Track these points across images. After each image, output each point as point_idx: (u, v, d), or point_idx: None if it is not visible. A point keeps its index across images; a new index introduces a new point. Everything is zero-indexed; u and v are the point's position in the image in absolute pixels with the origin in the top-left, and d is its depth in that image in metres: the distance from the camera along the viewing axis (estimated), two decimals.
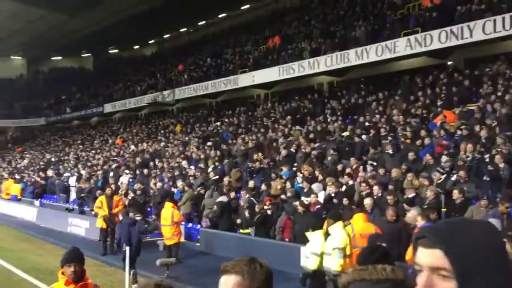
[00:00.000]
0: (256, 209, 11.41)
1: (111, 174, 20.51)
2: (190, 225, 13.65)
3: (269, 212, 11.26)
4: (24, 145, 45.56)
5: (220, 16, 41.89)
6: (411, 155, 11.48)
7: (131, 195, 16.08)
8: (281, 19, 31.24)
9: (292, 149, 15.34)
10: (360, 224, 7.18)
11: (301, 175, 12.98)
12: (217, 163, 17.02)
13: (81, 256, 3.67)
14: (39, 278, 9.30)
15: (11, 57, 65.89)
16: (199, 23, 44.56)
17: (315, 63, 21.52)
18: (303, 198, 10.50)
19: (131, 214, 10.53)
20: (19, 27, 49.18)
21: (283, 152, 15.17)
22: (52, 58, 63.64)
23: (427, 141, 12.22)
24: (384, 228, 7.54)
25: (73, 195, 21.29)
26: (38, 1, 40.05)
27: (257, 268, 1.66)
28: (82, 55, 60.81)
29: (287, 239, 10.47)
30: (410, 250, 6.27)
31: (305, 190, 11.51)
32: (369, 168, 12.14)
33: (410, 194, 9.30)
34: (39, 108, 52.87)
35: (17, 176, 27.56)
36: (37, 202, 22.03)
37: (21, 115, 54.14)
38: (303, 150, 15.03)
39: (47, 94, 54.04)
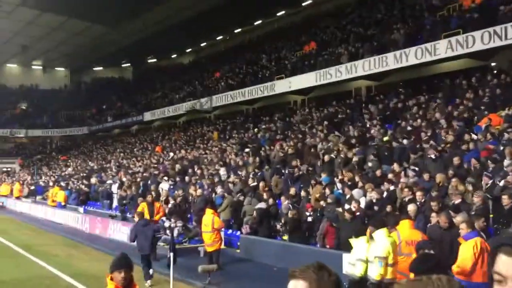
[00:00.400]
0: (289, 215, 11.38)
1: (152, 181, 20.92)
2: (230, 231, 13.72)
3: (309, 219, 11.19)
4: (68, 154, 47.06)
5: (256, 23, 42.19)
6: (455, 160, 11.16)
7: (171, 202, 16.35)
8: (316, 25, 31.15)
9: (331, 155, 15.20)
10: (406, 231, 6.99)
11: (340, 181, 12.85)
12: (256, 170, 17.06)
13: (130, 262, 3.75)
14: (86, 283, 9.55)
15: (56, 68, 68.46)
16: (235, 31, 44.97)
17: (352, 68, 21.32)
18: (345, 205, 10.38)
19: (172, 221, 10.71)
20: (64, 39, 51.10)
21: (322, 158, 15.06)
22: (94, 69, 65.71)
23: (471, 145, 11.88)
24: (436, 235, 7.29)
25: (115, 202, 21.80)
26: (82, 14, 41.49)
27: (325, 276, 1.63)
28: (122, 65, 62.48)
29: (328, 246, 10.37)
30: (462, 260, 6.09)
31: (346, 197, 11.38)
32: (410, 173, 11.87)
33: (456, 200, 9.02)
34: (82, 118, 54.58)
35: (62, 184, 28.47)
36: (81, 209, 22.67)
37: (65, 125, 56.02)
38: (342, 156, 14.88)
39: (89, 104, 55.74)
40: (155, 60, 57.40)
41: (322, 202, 11.66)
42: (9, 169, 50.85)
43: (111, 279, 3.64)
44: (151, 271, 9.80)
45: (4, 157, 54.40)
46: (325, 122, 20.04)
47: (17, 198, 30.01)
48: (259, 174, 16.42)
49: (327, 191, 12.22)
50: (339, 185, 12.63)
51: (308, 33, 30.26)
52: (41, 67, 67.97)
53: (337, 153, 15.38)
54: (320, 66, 23.49)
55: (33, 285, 9.70)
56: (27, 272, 10.95)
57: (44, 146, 56.58)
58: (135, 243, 10.33)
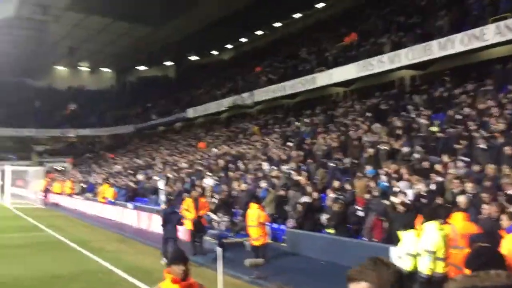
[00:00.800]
0: (335, 208, 11.30)
1: (196, 177, 21.28)
2: (275, 225, 13.78)
3: (361, 213, 11.07)
4: (116, 152, 48.48)
5: (294, 16, 41.96)
6: (507, 149, 10.73)
7: (216, 197, 16.58)
8: (357, 15, 30.61)
9: (376, 147, 14.97)
10: (460, 224, 6.79)
11: (385, 173, 12.64)
12: (299, 163, 17.03)
13: (186, 256, 3.87)
14: (136, 276, 9.86)
15: (102, 69, 70.62)
16: (274, 25, 44.89)
17: (395, 58, 20.85)
18: (392, 198, 10.21)
19: (219, 214, 10.86)
20: (109, 41, 52.66)
21: (367, 150, 14.85)
22: (138, 68, 67.31)
23: None
24: (487, 227, 7.06)
25: (162, 198, 22.29)
26: (126, 16, 42.58)
27: (383, 270, 1.56)
28: (165, 64, 63.67)
29: (375, 240, 10.25)
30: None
31: (393, 189, 11.18)
32: (460, 164, 11.52)
33: (510, 190, 8.69)
34: (128, 116, 56.07)
35: (111, 181, 29.40)
36: (130, 205, 23.34)
37: (112, 124, 57.75)
38: (387, 147, 14.61)
39: (134, 103, 57.17)
40: (196, 57, 58.13)
41: (368, 195, 11.52)
42: (61, 167, 52.98)
43: (169, 272, 3.76)
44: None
45: (56, 157, 56.76)
46: (368, 114, 19.72)
47: (69, 195, 31.24)
48: (302, 167, 16.38)
49: (372, 183, 12.06)
50: (384, 178, 12.43)
51: (348, 24, 29.78)
52: (88, 69, 70.31)
53: (382, 145, 15.11)
54: (361, 57, 23.10)
55: (87, 278, 10.10)
56: (81, 266, 11.42)
57: (93, 145, 58.53)
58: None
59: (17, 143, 59.58)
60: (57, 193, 33.29)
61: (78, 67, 69.70)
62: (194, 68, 55.82)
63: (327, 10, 38.18)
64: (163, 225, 11.70)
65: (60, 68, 69.79)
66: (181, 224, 11.94)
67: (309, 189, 13.41)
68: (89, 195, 29.61)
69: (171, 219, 11.59)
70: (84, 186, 32.68)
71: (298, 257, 11.71)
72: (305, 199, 12.92)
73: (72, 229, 18.62)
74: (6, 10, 45.87)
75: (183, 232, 13.43)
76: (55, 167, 52.39)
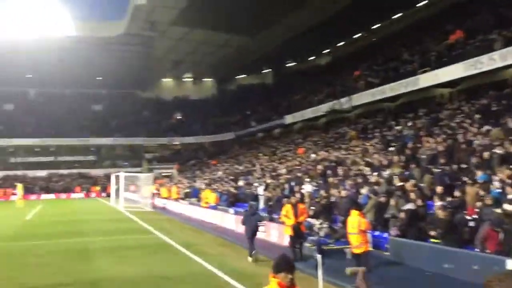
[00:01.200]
0: (442, 216, 10.63)
1: (295, 182, 21.33)
2: (377, 233, 13.35)
3: (471, 223, 10.35)
4: (218, 158, 50.30)
5: (394, 17, 40.56)
6: None
7: (315, 203, 16.48)
8: (463, 11, 28.75)
9: (488, 151, 13.90)
10: None
11: (499, 179, 11.68)
12: (401, 169, 16.37)
13: (294, 265, 3.89)
14: (240, 281, 10.09)
15: (204, 79, 73.90)
16: (373, 27, 43.76)
17: (508, 54, 19.25)
18: (505, 205, 9.41)
19: (318, 221, 10.76)
20: (210, 52, 55.03)
21: (478, 155, 13.85)
22: (237, 77, 69.45)
23: None
24: None
25: (262, 203, 22.69)
26: (225, 27, 44.21)
27: None
28: (263, 72, 64.96)
29: (489, 251, 9.49)
30: None
31: (507, 196, 10.30)
32: None
33: None
34: (228, 124, 57.95)
35: (213, 186, 30.53)
36: (231, 210, 24.03)
37: (214, 131, 60.07)
38: (501, 151, 13.50)
39: (234, 111, 58.97)
40: (293, 63, 58.55)
41: (479, 203, 10.73)
42: (168, 173, 56.15)
43: (273, 277, 3.79)
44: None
45: (164, 163, 60.30)
46: (477, 115, 18.40)
47: (176, 200, 32.99)
48: (405, 173, 15.71)
49: (482, 191, 11.21)
50: (497, 184, 11.48)
51: (454, 21, 28.08)
52: (191, 79, 74.01)
53: (496, 148, 13.99)
54: (469, 55, 21.65)
55: (193, 281, 10.55)
56: (187, 268, 11.95)
57: (196, 152, 61.29)
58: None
59: (129, 151, 64.33)
60: (165, 198, 35.34)
61: (182, 78, 73.63)
62: (291, 74, 56.26)
63: (429, 8, 36.38)
64: (243, 225, 13.38)
65: (166, 80, 74.22)
66: (259, 226, 13.41)
67: (413, 195, 12.82)
68: (193, 199, 31.01)
69: (250, 220, 13.20)
70: (189, 191, 34.29)
71: (402, 267, 11.22)
72: (409, 206, 12.37)
73: (178, 232, 19.59)
74: (118, 28, 49.95)
75: (285, 238, 13.55)
76: (162, 173, 55.63)
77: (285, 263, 3.82)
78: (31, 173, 59.16)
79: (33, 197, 51.74)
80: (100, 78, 68.11)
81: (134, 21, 45.57)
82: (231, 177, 32.81)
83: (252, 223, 13.18)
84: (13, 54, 54.47)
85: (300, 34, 43.90)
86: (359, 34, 46.38)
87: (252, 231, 13.07)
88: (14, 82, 66.33)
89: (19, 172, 58.96)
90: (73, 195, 54.25)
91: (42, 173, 59.55)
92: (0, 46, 51.99)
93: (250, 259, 12.63)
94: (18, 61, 57.08)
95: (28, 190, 52.72)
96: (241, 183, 28.30)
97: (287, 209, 13.00)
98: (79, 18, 52.47)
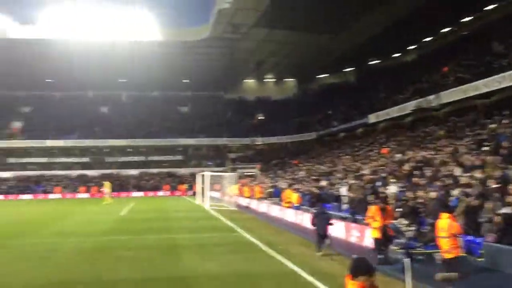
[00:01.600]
0: None
1: (379, 183, 20.75)
2: (469, 238, 12.60)
3: None
4: (299, 158, 50.27)
5: (487, 8, 38.04)
6: None
7: (401, 205, 15.90)
8: None
9: None
10: None
11: None
12: (496, 170, 15.31)
13: (373, 268, 3.79)
14: (324, 281, 10.00)
15: (284, 79, 74.27)
16: (462, 20, 41.38)
17: None
18: None
19: (405, 223, 10.37)
20: (291, 52, 55.23)
21: None
22: (318, 76, 68.96)
23: None
24: None
25: (344, 204, 22.34)
26: (307, 27, 44.12)
27: None
28: (345, 70, 63.92)
29: None
30: None
31: None
32: None
33: None
34: (310, 124, 57.72)
35: (295, 186, 30.53)
36: (313, 210, 23.86)
37: (295, 131, 60.12)
38: None
39: (315, 110, 58.61)
40: (377, 61, 56.99)
41: None
42: (251, 173, 57.10)
43: (352, 280, 3.72)
44: (327, 241, 13.65)
45: (246, 163, 61.40)
46: None
47: (258, 199, 33.43)
48: (501, 174, 14.67)
49: None
50: None
51: None
52: (273, 80, 74.69)
53: None
54: None
55: (275, 279, 10.60)
56: (269, 267, 12.05)
57: (278, 151, 61.73)
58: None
59: (213, 151, 66.31)
60: (247, 197, 35.96)
61: (264, 79, 74.54)
62: (374, 72, 54.84)
63: None
64: (313, 224, 14.08)
65: (248, 81, 75.54)
66: (329, 224, 13.91)
67: (510, 199, 11.95)
68: (275, 199, 31.22)
69: (320, 218, 13.93)
70: (271, 190, 34.60)
71: (498, 274, 10.51)
72: (505, 210, 11.54)
73: (260, 231, 19.83)
74: (202, 32, 51.76)
75: (365, 239, 13.21)
76: (245, 172, 56.65)
77: (365, 267, 3.73)
78: (124, 172, 63.04)
79: (124, 194, 55.21)
80: (187, 80, 70.95)
81: (218, 24, 46.93)
82: (313, 177, 32.62)
83: (322, 222, 13.80)
84: (108, 60, 58.47)
85: (383, 31, 42.60)
86: (448, 29, 44.04)
87: (323, 230, 13.71)
88: (109, 86, 71.33)
89: (114, 171, 63.12)
90: (159, 193, 57.02)
91: (134, 172, 63.21)
92: (97, 53, 56.03)
93: (319, 254, 13.40)
94: (112, 67, 61.20)
95: (121, 188, 56.40)
96: (323, 183, 28.04)
97: (373, 210, 12.67)
98: (165, 24, 55.13)
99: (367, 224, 14.03)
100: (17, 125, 67.24)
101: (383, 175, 22.92)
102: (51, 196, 55.61)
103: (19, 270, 11.89)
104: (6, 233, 20.37)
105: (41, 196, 55.47)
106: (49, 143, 62.95)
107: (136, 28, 53.46)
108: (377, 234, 12.32)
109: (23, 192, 56.07)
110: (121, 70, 63.31)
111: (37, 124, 67.05)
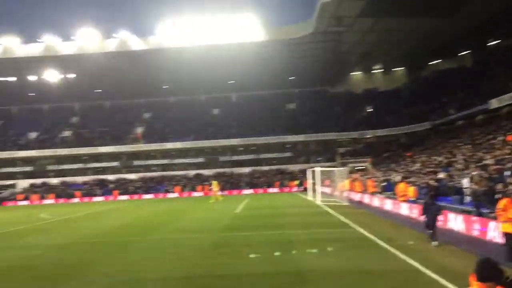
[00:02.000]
0: None
1: (508, 173, 19.08)
2: None
3: None
4: (413, 150, 48.05)
5: None
6: None
7: None
8: None
9: None
10: None
11: None
12: None
13: (502, 276, 3.39)
14: (450, 279, 9.45)
15: (393, 69, 71.44)
16: None
17: None
18: None
19: None
20: (399, 40, 52.92)
21: None
22: (430, 63, 65.19)
23: None
24: None
25: (467, 197, 20.91)
26: (415, 11, 41.99)
27: None
28: (460, 55, 59.68)
29: None
30: None
31: None
32: None
33: None
34: (423, 113, 54.86)
35: (410, 179, 29.23)
36: (422, 201, 22.63)
37: (407, 122, 57.55)
38: None
39: (428, 99, 55.57)
40: (497, 41, 52.36)
41: None
42: (362, 167, 55.88)
43: (479, 284, 3.41)
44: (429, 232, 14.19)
45: (357, 157, 60.23)
46: None
47: (372, 193, 32.60)
48: None
49: None
50: None
51: None
52: (380, 70, 72.29)
53: None
54: None
55: (397, 277, 10.22)
56: (388, 263, 11.63)
57: (390, 144, 59.63)
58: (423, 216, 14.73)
59: (322, 146, 66.02)
60: (359, 192, 35.24)
61: (372, 70, 72.48)
62: (495, 54, 50.42)
63: None
64: (423, 214, 14.57)
65: (355, 73, 74.03)
66: (439, 214, 14.39)
67: None
68: (389, 193, 30.21)
69: (430, 209, 14.26)
70: (385, 184, 33.55)
71: None
72: None
73: (376, 226, 19.32)
74: (306, 28, 51.74)
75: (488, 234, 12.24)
76: (356, 167, 55.61)
77: (495, 271, 3.36)
78: (236, 170, 65.41)
79: (235, 192, 57.38)
80: (293, 77, 71.53)
81: (322, 18, 46.55)
82: (429, 169, 30.94)
83: (432, 212, 14.17)
84: (217, 64, 61.09)
85: (506, 7, 38.95)
86: None
87: (432, 220, 14.08)
88: (219, 89, 74.56)
89: (227, 170, 65.85)
90: (269, 190, 58.14)
91: (246, 170, 65.29)
92: (206, 58, 58.77)
93: (434, 243, 13.63)
94: (221, 70, 63.86)
95: (232, 186, 58.87)
96: (441, 175, 26.46)
97: (504, 203, 11.67)
98: (269, 23, 56.10)
99: (494, 218, 13.00)
100: (140, 130, 73.05)
101: (510, 165, 21.02)
102: (169, 195, 59.62)
103: (156, 262, 12.96)
104: (142, 229, 22.28)
105: (161, 196, 59.73)
106: (169, 145, 67.45)
107: (241, 30, 55.13)
108: (509, 228, 11.33)
109: (146, 192, 60.85)
110: (229, 72, 65.79)
111: (157, 128, 72.32)
